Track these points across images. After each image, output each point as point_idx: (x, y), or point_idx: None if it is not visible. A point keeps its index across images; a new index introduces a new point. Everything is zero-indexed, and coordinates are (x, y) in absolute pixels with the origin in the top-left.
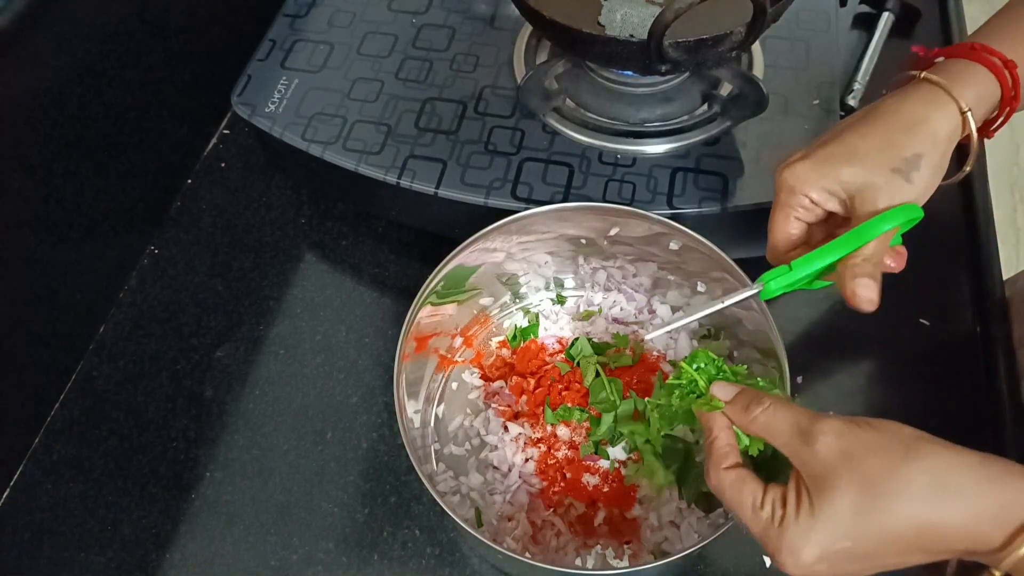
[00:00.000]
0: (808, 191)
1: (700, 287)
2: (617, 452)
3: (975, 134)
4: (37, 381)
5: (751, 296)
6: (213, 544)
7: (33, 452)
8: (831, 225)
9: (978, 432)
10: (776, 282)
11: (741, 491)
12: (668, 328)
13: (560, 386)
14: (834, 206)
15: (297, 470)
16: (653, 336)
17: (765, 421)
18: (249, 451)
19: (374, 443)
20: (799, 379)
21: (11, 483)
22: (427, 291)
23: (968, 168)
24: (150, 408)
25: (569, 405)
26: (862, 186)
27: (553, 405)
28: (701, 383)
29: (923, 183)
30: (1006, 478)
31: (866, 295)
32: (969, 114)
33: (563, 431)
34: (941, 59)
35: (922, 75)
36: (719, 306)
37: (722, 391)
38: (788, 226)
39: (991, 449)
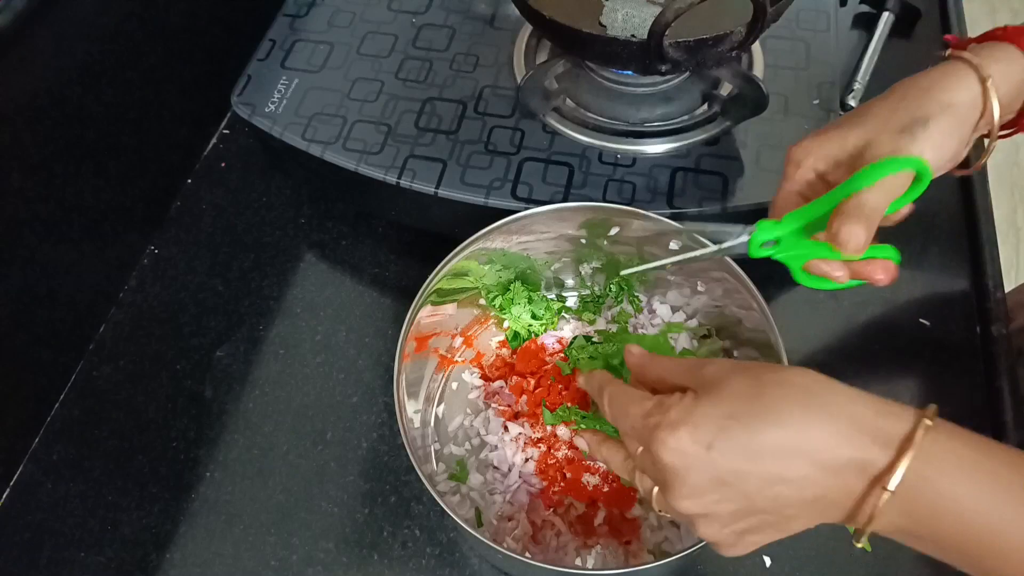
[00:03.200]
0: (815, 163)
1: (700, 287)
2: None
3: (996, 107)
4: (37, 381)
5: (739, 244)
6: (213, 544)
7: (33, 452)
8: None
9: (978, 432)
10: (766, 231)
11: (628, 397)
12: (641, 268)
13: (560, 386)
14: (841, 175)
15: (297, 470)
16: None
17: (658, 364)
18: (249, 451)
19: (374, 443)
20: None
21: (11, 483)
22: (427, 291)
23: (984, 159)
24: (150, 408)
25: (569, 405)
26: (864, 145)
27: (553, 405)
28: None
29: (930, 143)
30: (892, 406)
31: (849, 233)
32: (990, 83)
33: (563, 431)
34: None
35: (948, 53)
36: (705, 251)
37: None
38: (790, 201)
39: None
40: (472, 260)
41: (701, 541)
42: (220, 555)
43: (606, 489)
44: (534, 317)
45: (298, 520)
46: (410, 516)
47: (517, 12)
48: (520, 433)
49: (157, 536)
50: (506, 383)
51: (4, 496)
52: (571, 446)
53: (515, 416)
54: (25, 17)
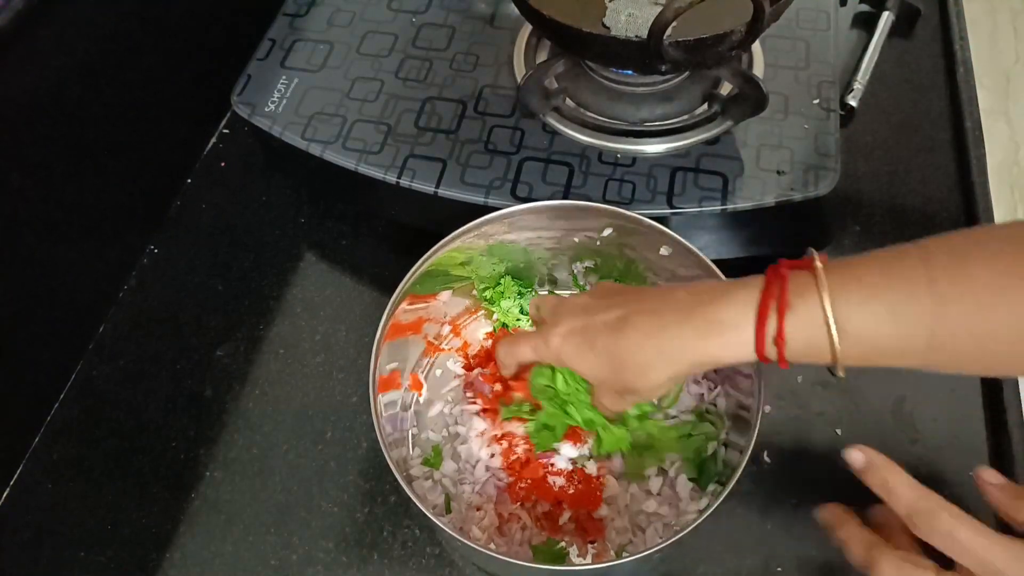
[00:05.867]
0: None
1: None
2: (568, 450)
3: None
4: (37, 381)
5: None
6: (213, 544)
7: (33, 452)
8: None
9: (978, 432)
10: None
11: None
12: None
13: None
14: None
15: (297, 470)
16: None
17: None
18: (249, 451)
19: (374, 443)
20: (799, 379)
21: (11, 483)
22: (406, 286)
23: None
24: (150, 408)
25: (520, 396)
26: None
27: (507, 399)
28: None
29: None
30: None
31: None
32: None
33: (519, 428)
34: None
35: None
36: None
37: None
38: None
39: (993, 451)
40: (474, 249)
41: (667, 540)
42: (220, 555)
43: (571, 491)
44: (522, 312)
45: (298, 520)
46: (410, 516)
47: (517, 11)
48: (485, 429)
49: (157, 536)
50: (482, 373)
51: (4, 496)
52: (528, 442)
53: (484, 411)
54: (25, 17)
